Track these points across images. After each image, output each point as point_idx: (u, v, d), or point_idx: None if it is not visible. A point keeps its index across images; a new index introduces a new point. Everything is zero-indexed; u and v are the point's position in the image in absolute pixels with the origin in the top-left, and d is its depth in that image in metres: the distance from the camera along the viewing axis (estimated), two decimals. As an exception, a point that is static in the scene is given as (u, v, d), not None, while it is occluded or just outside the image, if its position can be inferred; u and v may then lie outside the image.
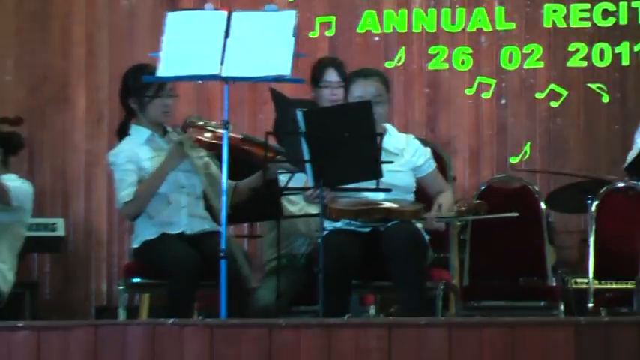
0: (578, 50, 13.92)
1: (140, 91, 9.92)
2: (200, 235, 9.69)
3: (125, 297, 10.07)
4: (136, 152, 9.92)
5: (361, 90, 9.67)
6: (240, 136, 9.64)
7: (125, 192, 9.72)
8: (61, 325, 7.25)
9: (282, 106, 9.48)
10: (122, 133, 10.30)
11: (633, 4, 14.00)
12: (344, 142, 8.73)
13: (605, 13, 13.92)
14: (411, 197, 9.48)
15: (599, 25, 13.93)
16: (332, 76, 10.62)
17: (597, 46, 13.84)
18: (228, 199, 8.86)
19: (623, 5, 14.01)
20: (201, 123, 9.97)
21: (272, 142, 9.66)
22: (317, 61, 11.10)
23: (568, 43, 14.05)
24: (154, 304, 11.40)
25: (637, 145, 10.41)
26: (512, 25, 14.12)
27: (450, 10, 14.18)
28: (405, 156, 9.46)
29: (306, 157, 8.63)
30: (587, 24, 13.97)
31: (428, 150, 9.89)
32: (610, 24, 13.96)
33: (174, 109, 10.26)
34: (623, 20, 14.01)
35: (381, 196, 9.08)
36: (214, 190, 9.90)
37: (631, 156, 10.39)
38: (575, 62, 13.90)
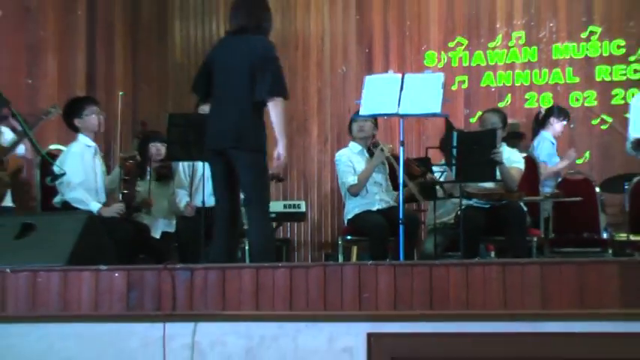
0: (617, 94, 13.79)
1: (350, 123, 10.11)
2: (387, 210, 9.69)
3: (342, 248, 10.11)
4: (351, 157, 9.97)
5: (489, 121, 10.01)
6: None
7: (350, 179, 9.77)
8: (304, 265, 7.41)
9: (448, 129, 9.66)
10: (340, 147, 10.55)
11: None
12: (476, 153, 9.03)
13: (635, 71, 13.72)
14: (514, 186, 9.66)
15: (631, 78, 13.74)
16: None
17: (630, 91, 13.44)
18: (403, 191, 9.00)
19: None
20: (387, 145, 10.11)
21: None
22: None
23: (612, 89, 13.89)
24: (359, 253, 11.31)
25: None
26: (577, 79, 14.03)
27: (538, 70, 14.09)
28: (508, 162, 9.53)
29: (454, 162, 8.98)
30: (624, 77, 13.82)
31: (520, 156, 10.10)
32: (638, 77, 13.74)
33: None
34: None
35: (491, 185, 9.56)
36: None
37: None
38: (616, 101, 13.77)
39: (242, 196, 8.27)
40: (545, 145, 11.88)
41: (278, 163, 8.23)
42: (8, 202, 9.83)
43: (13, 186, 9.82)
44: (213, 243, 8.14)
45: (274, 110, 7.83)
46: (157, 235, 10.22)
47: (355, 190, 9.88)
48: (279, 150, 8.03)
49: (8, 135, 9.79)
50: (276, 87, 7.82)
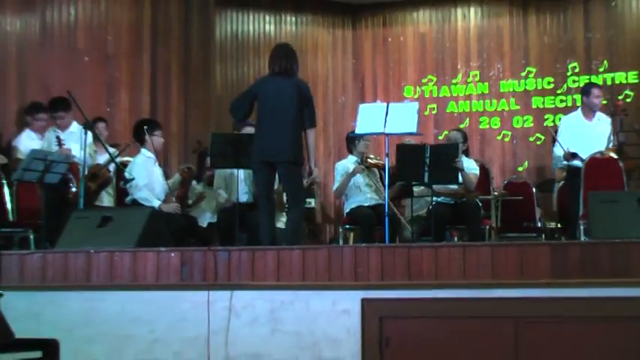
0: (548, 118, 13.65)
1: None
2: (375, 205, 9.33)
3: (342, 234, 9.93)
4: (347, 166, 9.68)
5: (453, 138, 9.84)
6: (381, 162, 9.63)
7: (335, 185, 9.63)
8: (313, 247, 7.21)
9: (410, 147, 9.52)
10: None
11: None
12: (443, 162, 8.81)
13: (561, 101, 13.71)
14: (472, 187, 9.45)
15: (559, 106, 13.65)
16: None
17: (558, 116, 12.92)
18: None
19: None
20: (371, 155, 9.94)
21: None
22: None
23: (544, 114, 13.83)
24: (355, 238, 10.10)
25: None
26: (518, 107, 13.99)
27: (489, 100, 14.10)
28: (467, 169, 9.27)
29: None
30: (553, 105, 13.78)
31: (475, 165, 9.80)
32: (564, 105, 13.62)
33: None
34: None
35: (455, 186, 9.33)
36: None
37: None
38: (547, 123, 13.39)
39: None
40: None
41: (312, 175, 8.45)
42: (105, 202, 9.97)
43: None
44: (261, 230, 8.10)
45: (311, 136, 8.15)
46: (204, 224, 10.07)
47: (337, 195, 9.95)
48: (312, 165, 8.31)
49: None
50: (313, 119, 8.22)
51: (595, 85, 10.44)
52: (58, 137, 9.43)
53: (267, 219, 8.14)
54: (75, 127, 9.71)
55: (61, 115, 9.67)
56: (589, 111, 9.71)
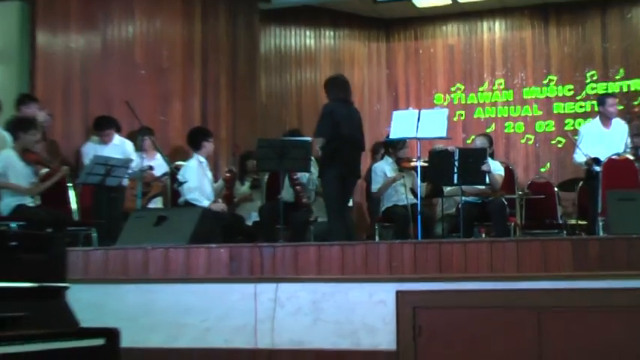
0: (568, 123, 13.66)
1: None
2: (410, 205, 9.22)
3: (378, 231, 9.65)
4: (384, 168, 9.71)
5: (480, 143, 9.87)
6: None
7: (374, 187, 9.67)
8: (351, 243, 6.96)
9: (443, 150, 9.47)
10: None
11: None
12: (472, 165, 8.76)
13: (581, 107, 13.68)
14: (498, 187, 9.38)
15: (578, 111, 13.63)
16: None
17: (577, 120, 13.39)
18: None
19: None
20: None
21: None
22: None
23: (565, 119, 13.75)
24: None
25: None
26: (540, 112, 13.91)
27: (513, 106, 14.08)
28: (493, 171, 9.15)
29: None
30: (573, 111, 13.76)
31: (501, 166, 9.75)
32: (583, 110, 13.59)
33: None
34: None
35: (482, 186, 9.23)
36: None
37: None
38: (567, 127, 13.49)
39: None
40: None
41: None
42: (158, 204, 10.08)
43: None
44: (334, 230, 8.38)
45: None
46: (250, 223, 10.07)
47: (376, 196, 9.77)
48: None
49: (128, 146, 9.95)
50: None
51: (609, 94, 10.43)
52: (150, 167, 9.86)
53: (342, 222, 8.52)
54: (117, 139, 9.90)
55: (107, 132, 9.82)
56: (606, 119, 9.66)
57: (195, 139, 9.65)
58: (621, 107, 10.90)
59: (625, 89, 13.59)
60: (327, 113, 8.57)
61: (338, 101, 8.70)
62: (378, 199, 9.77)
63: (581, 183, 10.39)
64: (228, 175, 10.03)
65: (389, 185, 9.54)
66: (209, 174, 9.64)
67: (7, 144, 8.79)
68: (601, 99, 9.88)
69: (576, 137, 9.91)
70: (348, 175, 8.62)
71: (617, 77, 13.74)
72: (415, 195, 9.38)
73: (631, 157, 9.49)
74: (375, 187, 9.60)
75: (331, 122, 8.48)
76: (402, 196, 9.49)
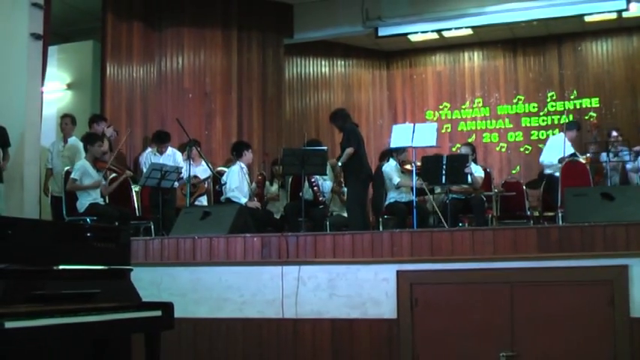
0: (534, 134, 13.70)
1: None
2: (409, 201, 9.01)
3: (382, 222, 9.38)
4: (392, 166, 9.48)
5: (464, 150, 9.87)
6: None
7: (397, 181, 9.31)
8: (359, 232, 6.87)
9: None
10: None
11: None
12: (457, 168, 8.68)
13: (543, 121, 13.69)
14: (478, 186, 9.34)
15: (542, 124, 13.62)
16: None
17: (542, 132, 13.46)
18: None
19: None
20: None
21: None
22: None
23: (531, 131, 13.74)
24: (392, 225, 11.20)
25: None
26: (511, 125, 13.87)
27: (489, 120, 14.02)
28: (474, 172, 9.25)
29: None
30: (537, 124, 13.70)
31: (481, 170, 9.75)
32: (546, 124, 13.75)
33: None
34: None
35: (465, 185, 9.17)
36: None
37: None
38: (533, 137, 13.61)
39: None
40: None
41: None
42: (203, 202, 9.99)
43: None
44: (357, 220, 8.53)
45: None
46: (277, 216, 10.06)
47: (397, 187, 9.33)
48: None
49: (178, 156, 9.91)
50: None
51: (575, 122, 10.51)
52: (195, 176, 9.74)
53: (364, 214, 8.83)
54: (170, 150, 9.91)
55: (164, 144, 9.85)
56: (570, 138, 9.90)
57: (238, 149, 9.71)
58: (571, 117, 11.21)
59: (578, 106, 13.65)
60: (355, 135, 8.86)
61: (353, 125, 9.06)
62: (381, 196, 9.61)
63: (544, 183, 10.23)
64: (259, 178, 10.17)
65: (406, 184, 9.27)
66: (247, 178, 9.62)
67: (82, 154, 8.92)
68: (575, 124, 10.22)
69: (540, 146, 9.96)
70: (369, 178, 8.96)
71: (572, 97, 13.77)
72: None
73: (583, 161, 9.59)
74: (396, 181, 9.32)
75: (360, 141, 8.85)
76: (402, 194, 9.37)
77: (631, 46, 13.60)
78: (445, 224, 8.47)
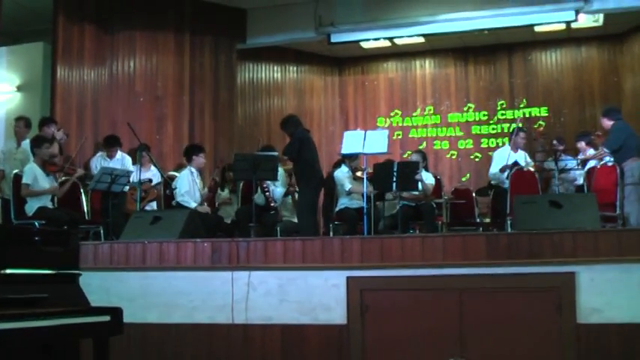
0: (484, 141, 13.72)
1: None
2: (358, 208, 8.98)
3: (333, 228, 9.30)
4: (345, 173, 9.39)
5: (415, 157, 9.75)
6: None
7: (348, 187, 9.29)
8: (310, 238, 6.98)
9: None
10: None
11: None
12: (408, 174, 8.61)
13: (493, 129, 13.75)
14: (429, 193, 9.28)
15: (491, 132, 13.69)
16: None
17: (491, 140, 13.55)
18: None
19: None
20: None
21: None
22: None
23: (481, 139, 13.83)
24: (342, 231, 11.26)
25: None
26: (462, 133, 13.93)
27: (440, 128, 14.05)
28: (425, 180, 9.20)
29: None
30: (487, 132, 13.79)
31: (431, 177, 9.71)
32: (495, 132, 13.92)
33: None
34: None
35: (416, 192, 9.10)
36: None
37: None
38: (483, 145, 13.63)
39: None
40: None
41: None
42: (154, 206, 9.92)
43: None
44: (306, 226, 8.56)
45: None
46: (228, 221, 10.03)
47: (348, 193, 9.29)
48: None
49: (127, 161, 9.97)
50: None
51: (521, 129, 10.45)
52: (150, 179, 9.84)
53: (315, 220, 8.90)
54: (119, 154, 9.94)
55: (114, 148, 9.89)
56: (514, 147, 9.93)
57: (189, 153, 9.66)
58: (520, 124, 11.05)
59: (527, 115, 13.70)
60: (304, 137, 8.87)
61: (304, 131, 9.05)
62: (332, 202, 9.59)
63: (493, 190, 10.27)
64: (211, 183, 10.10)
65: (357, 191, 9.22)
66: (198, 182, 9.55)
67: (31, 158, 8.79)
68: (515, 131, 10.11)
69: (490, 153, 10.04)
70: (320, 184, 9.05)
71: (521, 105, 13.85)
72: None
73: (532, 169, 9.69)
74: (347, 187, 9.28)
75: (300, 147, 8.78)
76: (352, 200, 9.35)
77: (579, 56, 13.78)
78: (396, 231, 8.44)
